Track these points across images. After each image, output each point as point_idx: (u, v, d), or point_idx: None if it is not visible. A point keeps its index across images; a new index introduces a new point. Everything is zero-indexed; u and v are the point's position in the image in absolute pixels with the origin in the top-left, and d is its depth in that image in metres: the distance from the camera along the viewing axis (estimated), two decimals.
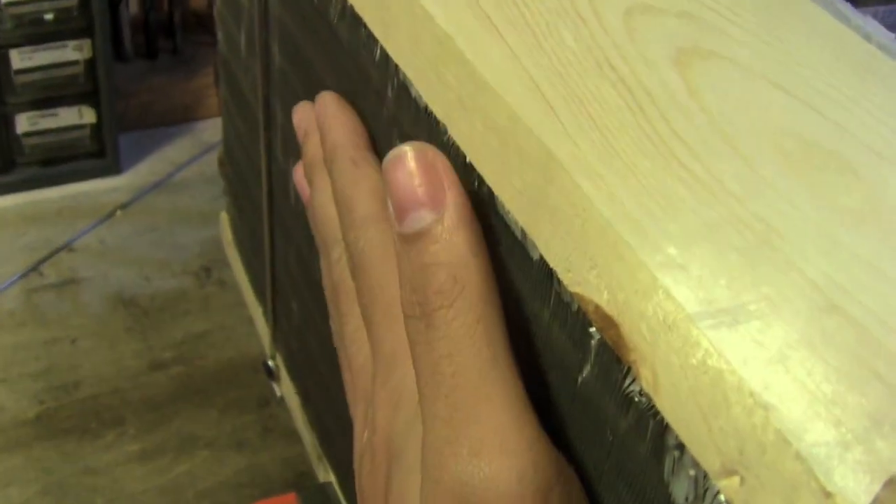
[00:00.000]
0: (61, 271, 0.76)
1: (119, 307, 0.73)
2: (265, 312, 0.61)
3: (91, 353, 0.70)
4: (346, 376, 0.32)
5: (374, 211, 0.30)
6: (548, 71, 0.26)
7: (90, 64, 0.78)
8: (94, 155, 0.84)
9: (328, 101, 0.35)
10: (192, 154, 0.90)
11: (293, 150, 0.47)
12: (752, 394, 0.18)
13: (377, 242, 0.29)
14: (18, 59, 0.76)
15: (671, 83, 0.26)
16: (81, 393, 0.67)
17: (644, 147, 0.23)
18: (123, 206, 0.82)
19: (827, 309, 0.20)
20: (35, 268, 0.75)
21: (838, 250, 0.21)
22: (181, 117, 0.93)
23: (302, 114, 0.37)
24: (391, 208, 0.25)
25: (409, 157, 0.25)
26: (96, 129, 0.82)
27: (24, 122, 0.79)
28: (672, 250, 0.20)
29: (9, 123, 0.79)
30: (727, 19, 0.30)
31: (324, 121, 0.35)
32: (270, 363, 0.62)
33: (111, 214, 0.81)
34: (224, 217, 0.71)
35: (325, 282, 0.34)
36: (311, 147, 0.36)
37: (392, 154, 0.26)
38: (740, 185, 0.23)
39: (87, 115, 0.81)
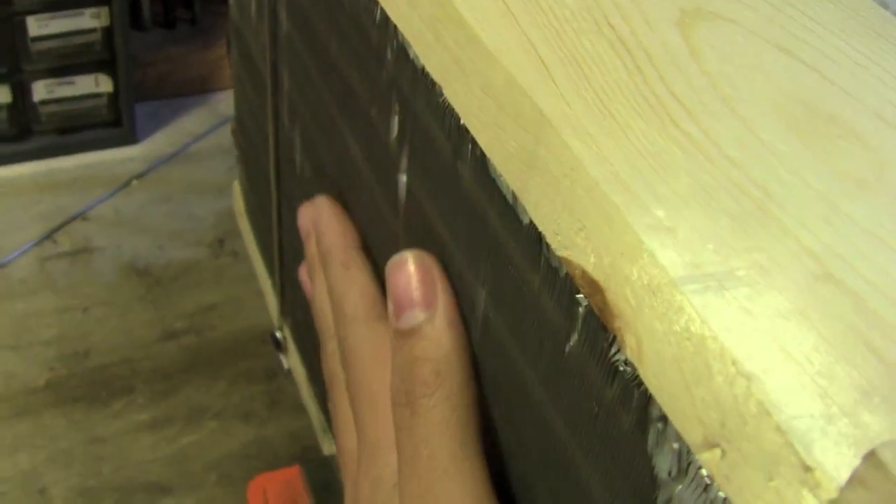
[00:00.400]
0: (75, 240, 0.76)
1: (132, 276, 0.73)
2: (273, 283, 0.60)
3: (102, 321, 0.70)
4: (341, 461, 0.34)
5: (362, 310, 0.33)
6: (545, 30, 0.25)
7: (107, 32, 0.78)
8: (111, 124, 0.84)
9: (322, 206, 0.38)
10: (208, 125, 0.90)
11: (300, 118, 0.46)
12: (734, 362, 0.17)
13: (364, 340, 0.32)
14: (35, 25, 0.76)
15: (672, 44, 0.25)
16: (91, 362, 0.67)
17: (639, 108, 0.22)
18: (139, 176, 0.82)
19: (822, 277, 0.19)
20: (49, 236, 0.75)
21: (838, 218, 0.20)
22: (198, 88, 0.93)
23: (303, 216, 0.40)
24: (390, 306, 0.28)
25: (409, 263, 0.28)
26: (113, 98, 0.82)
27: (40, 90, 0.79)
28: (660, 213, 0.20)
29: (25, 91, 0.79)
30: None
31: (318, 225, 0.38)
32: (278, 334, 0.61)
33: (127, 184, 0.81)
34: (236, 187, 0.71)
35: (324, 371, 0.36)
36: (311, 248, 0.39)
37: (395, 259, 0.29)
38: (738, 148, 0.22)
39: (104, 84, 0.81)
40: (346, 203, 0.40)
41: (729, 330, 0.17)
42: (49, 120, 0.80)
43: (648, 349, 0.19)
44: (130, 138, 0.84)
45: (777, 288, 0.18)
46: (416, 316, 0.27)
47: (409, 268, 0.28)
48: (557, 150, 0.21)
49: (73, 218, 0.78)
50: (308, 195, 0.47)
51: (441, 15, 0.26)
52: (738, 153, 0.22)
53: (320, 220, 0.38)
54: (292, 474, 0.54)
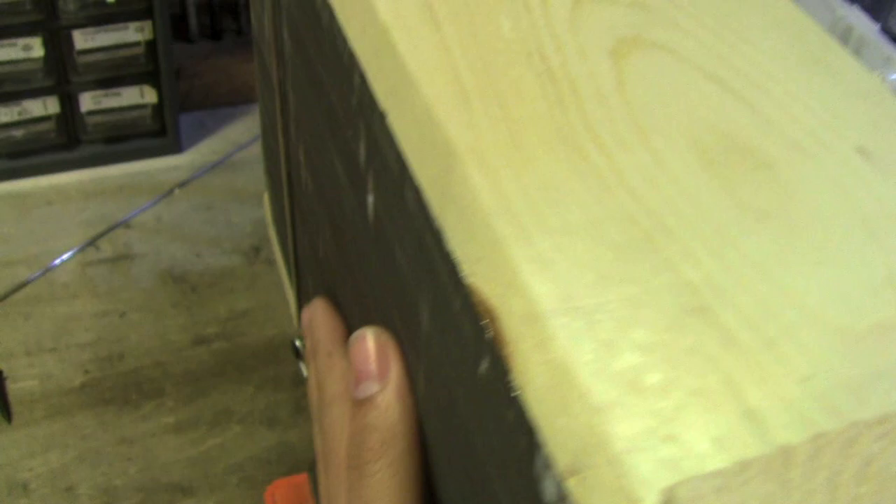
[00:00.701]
0: (117, 247, 0.79)
1: (168, 283, 0.76)
2: (294, 292, 0.62)
3: (138, 326, 0.72)
4: None
5: (339, 393, 0.36)
6: (474, 61, 0.26)
7: (151, 45, 0.81)
8: (156, 134, 0.86)
9: (316, 307, 0.43)
10: (252, 134, 0.92)
11: (302, 135, 0.47)
12: (588, 394, 0.18)
13: (337, 419, 0.35)
14: (81, 39, 0.79)
15: (600, 74, 0.26)
16: (125, 365, 0.70)
17: (549, 139, 0.23)
18: (181, 185, 0.84)
19: (694, 311, 0.19)
20: (92, 242, 0.78)
21: (729, 251, 0.21)
22: (245, 98, 0.95)
23: (304, 314, 0.45)
24: (351, 377, 0.31)
25: (368, 339, 0.31)
26: (157, 108, 0.84)
27: (88, 101, 0.82)
28: (545, 244, 0.20)
29: (73, 102, 0.82)
30: (682, 9, 0.29)
31: (311, 322, 0.42)
32: (297, 343, 0.63)
33: (169, 192, 0.83)
34: (266, 197, 0.73)
35: None
36: (307, 341, 0.43)
37: (356, 334, 0.32)
38: (642, 179, 0.22)
39: (149, 95, 0.84)
40: (334, 218, 0.41)
41: (587, 363, 0.18)
42: (96, 130, 0.83)
43: (528, 378, 0.20)
44: (175, 147, 0.87)
45: (643, 321, 0.19)
46: (371, 387, 0.30)
47: (368, 343, 0.31)
48: (461, 179, 0.22)
49: (117, 225, 0.81)
50: (312, 210, 0.48)
51: (381, 43, 0.27)
52: (640, 184, 0.22)
53: (314, 317, 0.42)
54: (302, 480, 0.55)
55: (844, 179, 0.23)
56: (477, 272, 0.22)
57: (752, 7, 0.30)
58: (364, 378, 0.31)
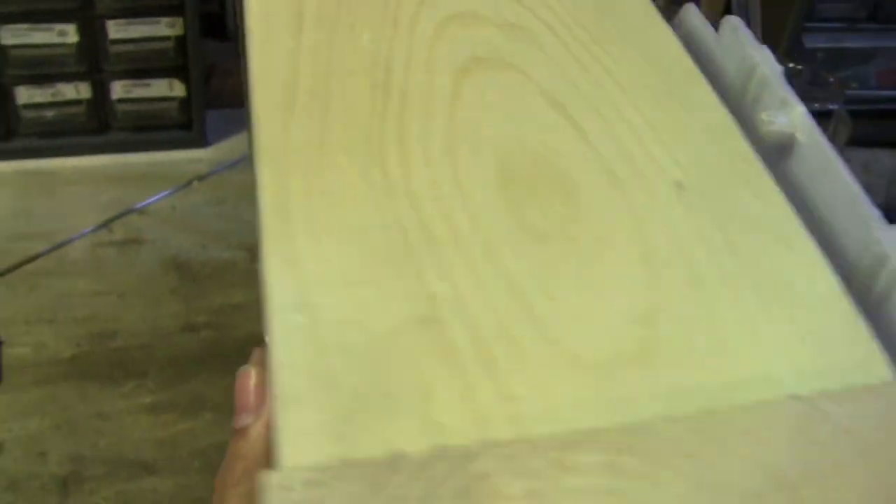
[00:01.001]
0: (128, 231, 0.82)
1: (170, 270, 0.78)
2: None
3: (134, 308, 0.75)
4: None
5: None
6: (320, 68, 0.27)
7: (181, 41, 0.83)
8: (182, 126, 0.89)
9: (256, 352, 0.44)
10: None
11: None
12: (278, 387, 0.19)
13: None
14: (115, 29, 0.82)
15: (438, 90, 0.26)
16: (115, 343, 0.72)
17: (356, 147, 0.24)
18: (201, 178, 0.87)
19: (423, 321, 0.20)
20: (106, 225, 0.81)
21: (489, 268, 0.21)
22: None
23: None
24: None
25: (252, 374, 0.33)
26: (185, 102, 0.87)
27: (118, 89, 0.85)
28: (301, 243, 0.21)
29: (104, 88, 0.85)
30: (555, 33, 0.29)
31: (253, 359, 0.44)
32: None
33: (188, 184, 0.86)
34: None
35: None
36: None
37: (241, 369, 0.33)
38: (430, 193, 0.23)
39: (177, 89, 0.86)
40: None
41: (290, 358, 0.19)
42: (125, 117, 0.86)
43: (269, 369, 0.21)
44: (200, 141, 0.89)
45: (365, 324, 0.20)
46: (246, 419, 0.32)
47: (250, 378, 0.33)
48: (260, 178, 0.23)
49: (132, 210, 0.83)
50: None
51: (246, 46, 0.29)
52: (426, 197, 0.23)
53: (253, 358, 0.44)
54: None
55: (645, 213, 0.24)
56: (262, 266, 0.23)
57: (628, 36, 0.30)
58: (242, 409, 0.32)
